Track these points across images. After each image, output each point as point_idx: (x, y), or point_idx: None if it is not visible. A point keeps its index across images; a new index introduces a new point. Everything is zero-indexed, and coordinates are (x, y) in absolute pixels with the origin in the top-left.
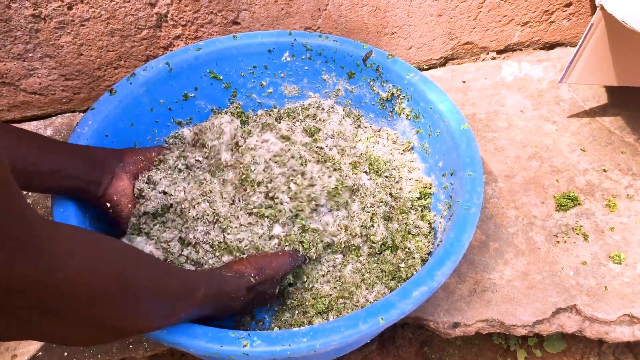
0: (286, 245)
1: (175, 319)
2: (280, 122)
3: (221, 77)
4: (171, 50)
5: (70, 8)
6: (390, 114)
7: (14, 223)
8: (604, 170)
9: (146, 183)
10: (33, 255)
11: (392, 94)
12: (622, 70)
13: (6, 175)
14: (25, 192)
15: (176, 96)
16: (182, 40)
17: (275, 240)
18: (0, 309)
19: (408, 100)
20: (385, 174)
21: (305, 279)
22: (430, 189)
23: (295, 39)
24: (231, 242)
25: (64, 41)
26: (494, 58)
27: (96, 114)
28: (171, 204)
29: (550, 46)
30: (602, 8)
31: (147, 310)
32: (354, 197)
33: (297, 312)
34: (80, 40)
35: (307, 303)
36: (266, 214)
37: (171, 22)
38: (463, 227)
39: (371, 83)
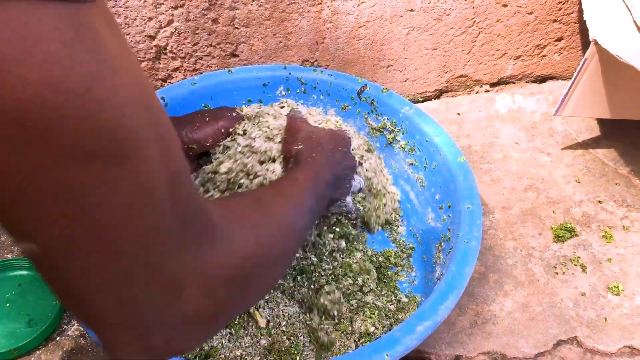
0: None
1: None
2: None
3: None
4: (170, 82)
5: None
6: (385, 147)
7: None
8: (599, 202)
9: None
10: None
11: (387, 127)
12: (616, 104)
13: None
14: None
15: None
16: (180, 72)
17: None
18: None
19: (403, 133)
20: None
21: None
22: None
23: (290, 73)
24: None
25: None
26: (487, 91)
27: None
28: None
29: (542, 79)
30: (596, 43)
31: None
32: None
33: None
34: None
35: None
36: None
37: (170, 55)
38: (464, 260)
39: (366, 116)
